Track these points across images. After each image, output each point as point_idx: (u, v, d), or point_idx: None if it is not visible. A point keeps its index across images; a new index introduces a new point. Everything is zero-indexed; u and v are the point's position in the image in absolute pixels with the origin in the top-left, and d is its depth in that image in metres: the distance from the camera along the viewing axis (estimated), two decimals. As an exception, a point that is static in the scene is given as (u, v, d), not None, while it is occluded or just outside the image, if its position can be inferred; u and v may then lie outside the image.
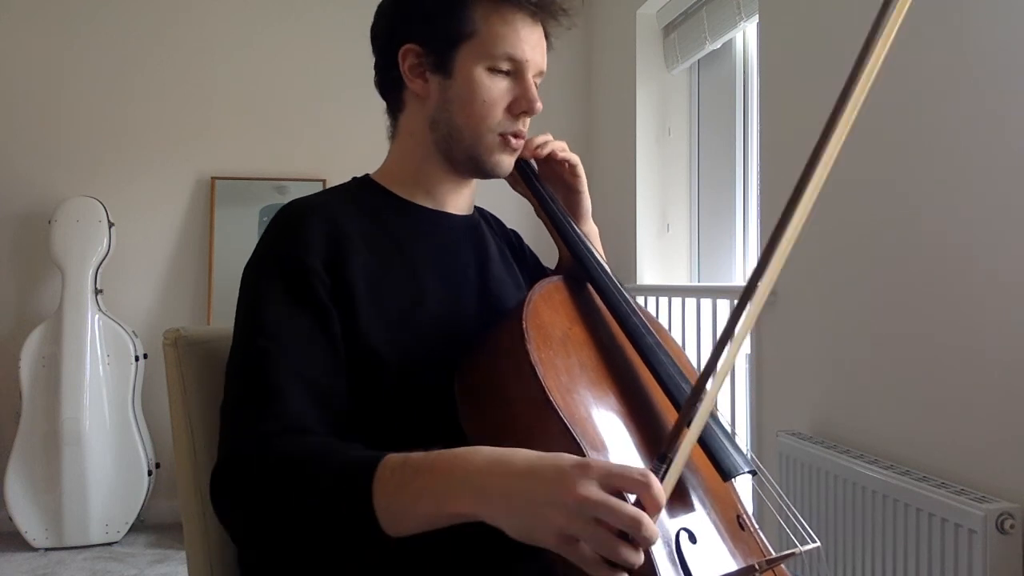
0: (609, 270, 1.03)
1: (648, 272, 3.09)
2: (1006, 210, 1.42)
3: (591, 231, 1.18)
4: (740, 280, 2.67)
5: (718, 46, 2.75)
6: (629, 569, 0.65)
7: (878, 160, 1.75)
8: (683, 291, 2.76)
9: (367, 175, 1.07)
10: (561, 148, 1.12)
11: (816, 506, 1.79)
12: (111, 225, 3.24)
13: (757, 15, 2.29)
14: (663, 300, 2.86)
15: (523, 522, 0.67)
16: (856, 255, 1.82)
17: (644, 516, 0.64)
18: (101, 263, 3.21)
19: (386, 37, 1.01)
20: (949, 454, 1.55)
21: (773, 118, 2.16)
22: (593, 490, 0.65)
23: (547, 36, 1.02)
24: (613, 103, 3.40)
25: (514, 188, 1.12)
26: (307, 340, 0.87)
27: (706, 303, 2.53)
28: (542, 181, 1.10)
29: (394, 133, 1.06)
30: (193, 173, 3.46)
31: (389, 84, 1.03)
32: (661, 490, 0.66)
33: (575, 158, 1.13)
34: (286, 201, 0.97)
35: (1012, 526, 1.34)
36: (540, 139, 1.10)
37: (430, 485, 0.71)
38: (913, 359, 1.64)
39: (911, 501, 1.49)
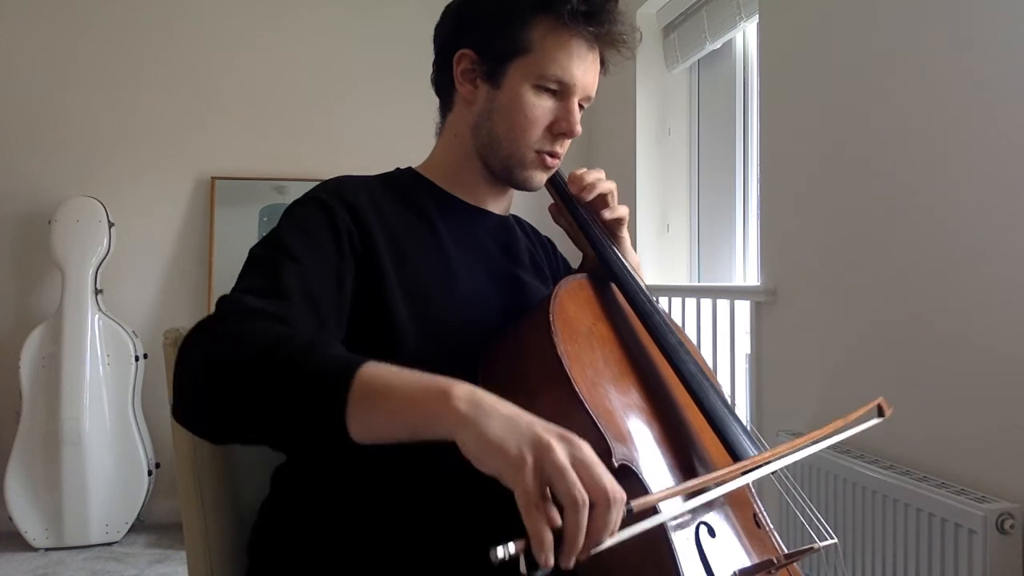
0: (643, 284, 1.03)
1: (648, 272, 3.08)
2: (1006, 209, 1.42)
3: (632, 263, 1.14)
4: (740, 280, 2.67)
5: (718, 46, 2.74)
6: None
7: (877, 158, 1.75)
8: (683, 291, 2.76)
9: (410, 167, 1.10)
10: (609, 191, 1.08)
11: (817, 506, 1.79)
12: (111, 225, 3.24)
13: (757, 15, 2.29)
14: (663, 300, 2.86)
15: (498, 434, 0.63)
16: (856, 255, 1.82)
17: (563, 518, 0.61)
18: (101, 263, 3.21)
19: (446, 38, 1.04)
20: (949, 454, 1.55)
21: (773, 118, 2.16)
22: (561, 454, 0.62)
23: (603, 62, 1.02)
24: (613, 103, 3.39)
25: (556, 221, 1.12)
26: (320, 272, 0.89)
27: (706, 303, 2.53)
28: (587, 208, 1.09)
29: (441, 130, 1.09)
30: (193, 173, 3.46)
31: (442, 83, 1.06)
32: (581, 530, 0.61)
33: (623, 211, 1.10)
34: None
35: (1012, 526, 1.34)
36: (591, 178, 1.07)
37: (424, 380, 0.69)
38: (913, 359, 1.64)
39: (911, 501, 1.50)
